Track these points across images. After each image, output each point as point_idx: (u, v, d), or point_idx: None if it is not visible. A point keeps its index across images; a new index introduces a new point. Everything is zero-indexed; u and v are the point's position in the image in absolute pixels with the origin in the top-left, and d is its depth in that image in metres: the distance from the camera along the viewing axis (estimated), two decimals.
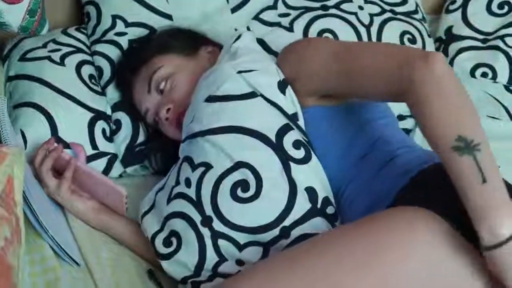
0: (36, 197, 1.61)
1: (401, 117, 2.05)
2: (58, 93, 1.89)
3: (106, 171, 1.91)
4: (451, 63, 2.15)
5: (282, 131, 1.58)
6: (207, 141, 1.59)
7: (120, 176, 1.94)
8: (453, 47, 2.17)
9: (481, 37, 2.18)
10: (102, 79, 1.98)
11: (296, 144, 1.58)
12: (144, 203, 1.68)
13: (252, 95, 1.61)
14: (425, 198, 1.39)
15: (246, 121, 1.58)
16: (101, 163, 1.89)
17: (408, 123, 2.06)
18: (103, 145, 1.90)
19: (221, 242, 1.56)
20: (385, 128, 1.65)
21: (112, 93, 1.97)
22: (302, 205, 1.55)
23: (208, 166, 1.58)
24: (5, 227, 1.28)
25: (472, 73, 2.12)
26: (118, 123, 1.95)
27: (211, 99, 1.62)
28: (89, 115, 1.90)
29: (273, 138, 1.57)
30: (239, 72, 1.63)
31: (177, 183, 1.63)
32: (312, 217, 1.55)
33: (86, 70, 1.97)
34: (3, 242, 1.26)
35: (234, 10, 2.07)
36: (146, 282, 1.65)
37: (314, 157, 1.59)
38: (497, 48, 2.14)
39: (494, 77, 2.11)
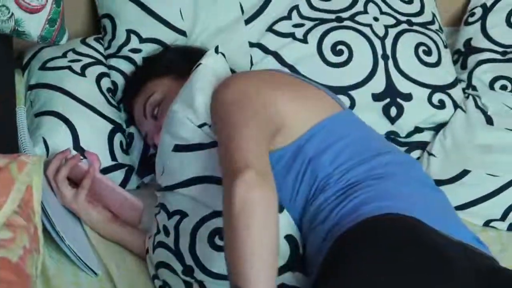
0: (53, 206, 1.62)
1: (418, 130, 2.04)
2: (79, 103, 1.90)
3: (125, 182, 1.91)
4: (470, 75, 2.14)
5: None
6: (180, 193, 1.61)
7: (138, 187, 1.94)
8: (472, 59, 2.16)
9: (500, 49, 2.17)
10: (117, 95, 2.00)
11: None
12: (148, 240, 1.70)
13: (212, 144, 1.59)
14: None
15: (213, 171, 1.57)
16: (120, 174, 1.90)
17: (426, 136, 2.05)
18: (121, 157, 1.92)
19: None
20: (333, 159, 1.57)
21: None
22: (282, 253, 1.53)
23: (183, 214, 1.60)
24: (24, 236, 1.29)
25: (491, 85, 2.11)
26: (131, 137, 1.96)
27: (178, 148, 1.62)
28: (109, 126, 1.91)
29: None
30: (200, 126, 1.62)
31: (158, 231, 1.64)
32: (289, 270, 1.55)
33: (105, 83, 1.98)
34: (21, 251, 1.27)
35: (248, 21, 2.06)
36: None
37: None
38: None
39: None
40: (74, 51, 2.01)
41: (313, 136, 1.57)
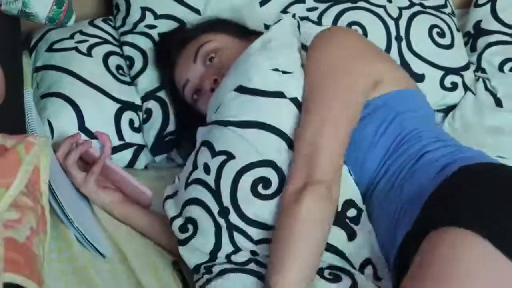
0: (62, 187, 1.61)
1: None
2: (85, 83, 1.90)
3: (132, 162, 1.91)
4: (479, 58, 2.13)
5: None
6: (233, 131, 1.57)
7: (146, 167, 1.94)
8: (482, 41, 2.16)
9: (510, 31, 2.16)
10: (133, 69, 1.98)
11: None
12: (169, 188, 1.67)
13: (281, 95, 1.57)
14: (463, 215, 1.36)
15: (275, 121, 1.55)
16: (127, 154, 1.90)
17: (436, 118, 2.04)
18: (130, 136, 1.91)
19: (236, 234, 1.54)
20: (417, 121, 1.61)
21: (143, 83, 1.97)
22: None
23: (230, 156, 1.55)
24: (31, 217, 1.29)
25: (501, 67, 2.10)
26: (149, 112, 1.94)
27: (241, 89, 1.59)
28: (116, 106, 1.91)
29: None
30: (273, 70, 1.59)
31: (195, 167, 1.60)
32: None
33: (114, 61, 1.98)
34: (29, 231, 1.26)
35: (262, 3, 2.06)
36: (171, 275, 1.65)
37: None
38: None
39: None
40: (81, 32, 2.01)
41: (403, 96, 1.62)
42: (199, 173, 1.58)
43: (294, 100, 1.57)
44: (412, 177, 1.51)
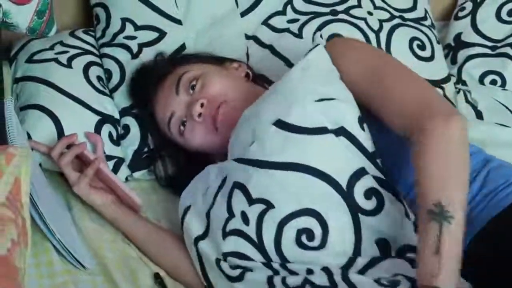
0: (43, 199, 1.60)
1: None
2: (64, 95, 1.88)
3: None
4: (459, 70, 2.14)
5: (355, 177, 1.47)
6: (271, 175, 1.49)
7: (126, 179, 1.93)
8: (462, 54, 2.17)
9: (490, 44, 2.18)
10: (111, 83, 1.97)
11: (368, 194, 1.47)
12: (195, 222, 1.61)
13: (323, 130, 1.48)
14: None
15: (316, 161, 1.47)
16: (108, 166, 1.89)
17: None
18: (110, 148, 1.89)
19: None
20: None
21: (120, 98, 1.95)
22: (369, 253, 1.49)
23: (269, 205, 1.48)
24: (11, 229, 1.27)
25: (481, 80, 2.12)
26: (126, 128, 1.93)
27: (281, 124, 1.50)
28: (96, 118, 1.89)
29: (344, 185, 1.46)
30: (317, 101, 1.51)
31: (231, 214, 1.52)
32: (380, 261, 1.48)
33: (94, 71, 1.97)
34: (9, 244, 1.25)
35: (243, 14, 2.06)
36: (151, 285, 1.64)
37: (386, 204, 1.47)
38: (506, 55, 2.14)
39: (503, 85, 2.11)
40: (62, 43, 2.00)
41: None
42: (238, 223, 1.51)
43: (340, 131, 1.49)
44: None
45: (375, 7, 2.11)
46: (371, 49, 1.65)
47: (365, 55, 1.60)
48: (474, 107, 2.05)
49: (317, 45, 1.62)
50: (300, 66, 1.59)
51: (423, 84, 1.56)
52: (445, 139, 1.40)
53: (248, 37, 2.02)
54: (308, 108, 1.50)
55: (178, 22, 2.04)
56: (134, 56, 1.98)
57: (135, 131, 1.93)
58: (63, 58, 1.95)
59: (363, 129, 1.51)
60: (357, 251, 1.47)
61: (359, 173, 1.47)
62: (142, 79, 1.91)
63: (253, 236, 1.50)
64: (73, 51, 1.98)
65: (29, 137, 1.80)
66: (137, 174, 1.93)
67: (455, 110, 1.53)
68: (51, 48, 1.98)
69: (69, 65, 1.94)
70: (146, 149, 1.92)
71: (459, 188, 1.36)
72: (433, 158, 1.39)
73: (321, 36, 1.67)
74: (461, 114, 1.47)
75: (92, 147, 1.81)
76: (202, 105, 1.72)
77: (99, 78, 1.97)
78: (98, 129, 1.88)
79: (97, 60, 2.00)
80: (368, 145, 1.50)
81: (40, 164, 1.79)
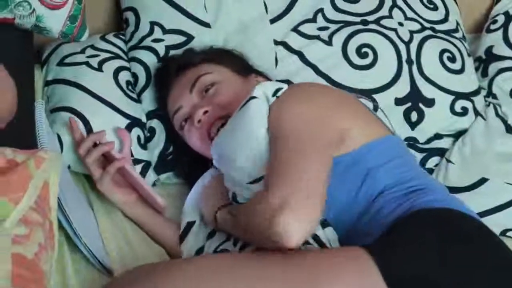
0: (70, 201, 1.61)
1: (438, 136, 2.03)
2: (95, 98, 1.90)
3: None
4: (490, 83, 2.13)
5: None
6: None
7: (154, 184, 1.94)
8: (493, 67, 2.15)
9: None
10: (138, 86, 1.99)
11: None
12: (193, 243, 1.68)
13: None
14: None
15: None
16: (136, 170, 1.89)
17: (445, 143, 2.05)
18: (138, 152, 1.90)
19: None
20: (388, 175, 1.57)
21: (147, 100, 1.97)
22: None
23: None
24: (39, 232, 1.29)
25: None
26: (152, 130, 1.95)
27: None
28: (125, 121, 1.90)
29: None
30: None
31: (227, 238, 1.62)
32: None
33: (124, 76, 1.98)
34: (37, 247, 1.26)
35: (273, 21, 2.06)
36: None
37: None
38: None
39: None
40: (92, 47, 2.01)
41: (372, 149, 1.56)
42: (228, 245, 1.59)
43: None
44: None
45: (406, 18, 2.10)
46: (301, 109, 1.53)
47: (285, 114, 1.52)
48: (504, 121, 2.03)
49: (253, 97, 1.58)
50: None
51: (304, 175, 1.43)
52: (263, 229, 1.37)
53: (277, 42, 2.03)
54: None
55: (207, 25, 2.04)
56: (161, 59, 2.00)
57: (160, 133, 1.94)
58: (94, 62, 1.96)
59: None
60: None
61: None
62: (168, 64, 1.93)
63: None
64: (104, 55, 1.99)
65: (59, 139, 1.81)
66: (163, 177, 1.94)
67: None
68: (82, 51, 1.99)
69: (99, 69, 1.95)
70: (170, 151, 1.94)
71: None
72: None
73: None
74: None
75: (120, 145, 1.82)
76: (205, 112, 1.76)
77: (128, 83, 1.98)
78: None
79: (126, 64, 2.01)
80: None
81: (69, 166, 1.80)
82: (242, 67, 1.87)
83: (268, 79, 1.89)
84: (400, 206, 1.48)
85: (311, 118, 1.51)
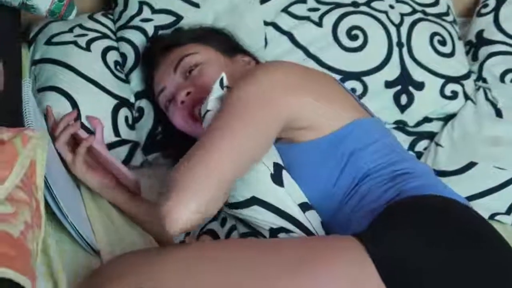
0: (57, 181, 1.60)
1: (427, 119, 2.03)
2: (82, 78, 1.89)
3: (128, 159, 1.90)
4: (480, 67, 2.13)
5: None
6: None
7: (141, 165, 1.93)
8: (484, 51, 2.15)
9: None
10: (126, 66, 1.98)
11: None
12: None
13: None
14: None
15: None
16: (123, 150, 1.89)
17: (435, 127, 2.05)
18: (126, 132, 1.90)
19: None
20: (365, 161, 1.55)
21: (136, 80, 1.97)
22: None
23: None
24: (25, 211, 1.28)
25: (502, 78, 2.10)
26: (141, 110, 1.94)
27: None
28: (113, 102, 1.89)
29: None
30: None
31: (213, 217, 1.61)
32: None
33: (112, 56, 1.97)
34: (23, 226, 1.25)
35: (263, 1, 2.05)
36: None
37: None
38: None
39: None
40: (81, 26, 2.00)
41: (352, 131, 1.56)
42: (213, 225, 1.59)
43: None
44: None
45: (397, 1, 2.10)
46: (246, 99, 1.48)
47: (230, 100, 1.49)
48: (494, 105, 2.04)
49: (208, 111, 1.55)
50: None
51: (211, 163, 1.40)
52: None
53: (266, 23, 2.02)
54: None
55: (196, 5, 2.03)
56: (150, 39, 1.99)
57: (149, 113, 1.94)
58: (82, 41, 1.95)
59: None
60: None
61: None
62: (156, 43, 1.93)
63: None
64: (92, 34, 1.98)
65: (46, 119, 1.80)
66: (151, 158, 1.94)
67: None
68: (70, 30, 1.97)
69: (88, 48, 1.94)
70: (159, 131, 1.93)
71: None
72: None
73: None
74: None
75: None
76: (188, 93, 1.75)
77: (116, 63, 1.97)
78: (115, 113, 1.89)
79: (115, 44, 2.00)
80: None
81: None
82: (228, 47, 1.86)
83: (254, 58, 1.88)
84: (387, 192, 1.48)
85: (251, 97, 1.48)
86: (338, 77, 1.92)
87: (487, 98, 2.05)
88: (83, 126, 1.78)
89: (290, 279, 1.30)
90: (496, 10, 2.21)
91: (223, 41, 1.88)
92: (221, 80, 1.56)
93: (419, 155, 2.01)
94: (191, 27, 1.95)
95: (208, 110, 1.52)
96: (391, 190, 1.48)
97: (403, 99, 2.00)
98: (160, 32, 1.99)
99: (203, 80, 1.75)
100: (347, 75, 1.92)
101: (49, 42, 1.95)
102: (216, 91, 1.54)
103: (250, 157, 1.46)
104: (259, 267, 1.33)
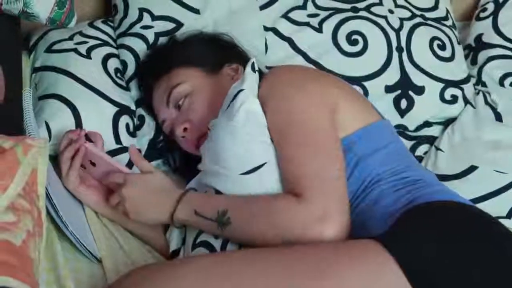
0: (57, 190, 1.60)
1: (427, 124, 2.04)
2: (83, 85, 1.88)
3: (129, 166, 1.89)
4: (480, 71, 2.13)
5: None
6: None
7: None
8: (483, 55, 2.16)
9: (511, 45, 2.16)
10: (126, 74, 1.98)
11: None
12: (173, 239, 1.67)
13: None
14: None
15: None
16: (125, 157, 1.88)
17: (435, 131, 2.05)
18: (127, 140, 1.89)
19: None
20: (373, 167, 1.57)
21: (136, 88, 1.97)
22: None
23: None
24: (27, 220, 1.28)
25: (501, 82, 2.10)
26: (141, 118, 1.94)
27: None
28: (114, 109, 1.89)
29: None
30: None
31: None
32: None
33: (112, 63, 1.97)
34: (25, 234, 1.26)
35: (263, 7, 2.06)
36: None
37: None
38: None
39: None
40: (81, 33, 2.00)
41: (362, 136, 1.57)
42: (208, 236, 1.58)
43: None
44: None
45: (396, 6, 2.10)
46: (297, 99, 1.55)
47: (283, 106, 1.55)
48: (494, 109, 2.04)
49: (241, 90, 1.58)
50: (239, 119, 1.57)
51: (321, 161, 1.50)
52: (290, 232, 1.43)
53: (266, 29, 2.02)
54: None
55: (196, 11, 2.04)
56: (150, 46, 1.99)
57: (150, 121, 1.94)
58: (83, 49, 1.95)
59: None
60: None
61: None
62: (145, 69, 1.94)
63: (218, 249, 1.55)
64: (92, 42, 1.98)
65: (47, 127, 1.80)
66: (152, 164, 1.93)
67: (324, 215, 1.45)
68: (71, 38, 1.98)
69: (88, 56, 1.94)
70: (160, 139, 1.93)
71: None
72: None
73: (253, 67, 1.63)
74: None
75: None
76: (185, 129, 1.77)
77: (117, 70, 1.97)
78: (116, 120, 1.88)
79: (115, 51, 2.00)
80: None
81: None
82: (214, 60, 1.84)
83: (243, 60, 1.84)
84: (401, 199, 1.48)
85: (306, 106, 1.53)
86: None
87: (486, 102, 2.06)
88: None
89: (316, 282, 1.32)
90: (495, 14, 2.21)
91: (207, 55, 1.86)
92: (253, 64, 1.60)
93: (419, 159, 2.00)
94: (190, 33, 1.95)
95: (241, 90, 1.55)
96: (406, 196, 1.49)
97: (403, 104, 2.00)
98: (161, 39, 1.99)
99: (195, 112, 1.76)
100: (347, 80, 1.91)
101: (49, 50, 1.95)
102: (249, 76, 1.58)
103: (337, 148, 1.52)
104: (287, 272, 1.34)
